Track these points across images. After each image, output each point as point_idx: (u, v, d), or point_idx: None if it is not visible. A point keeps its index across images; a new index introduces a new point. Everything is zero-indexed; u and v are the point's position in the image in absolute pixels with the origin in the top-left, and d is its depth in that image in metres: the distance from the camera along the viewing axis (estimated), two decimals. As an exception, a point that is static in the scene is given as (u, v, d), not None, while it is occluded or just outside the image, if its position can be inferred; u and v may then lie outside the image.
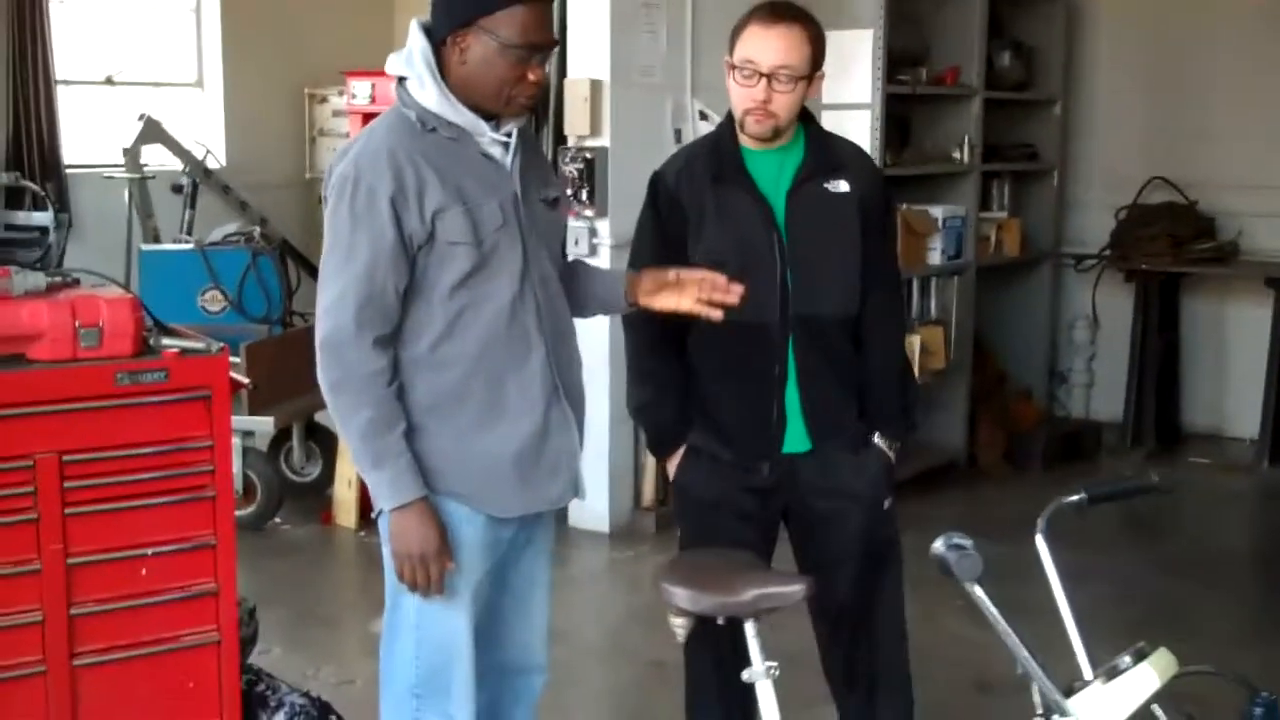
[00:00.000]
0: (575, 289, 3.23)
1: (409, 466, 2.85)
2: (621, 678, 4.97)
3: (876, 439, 3.45)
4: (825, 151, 3.42)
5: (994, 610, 2.34)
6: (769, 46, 3.25)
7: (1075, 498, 2.62)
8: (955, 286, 7.26)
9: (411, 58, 2.89)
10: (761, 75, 3.24)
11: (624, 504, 6.46)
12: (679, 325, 3.37)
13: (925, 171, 7.19)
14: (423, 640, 2.99)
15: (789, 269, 3.32)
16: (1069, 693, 2.44)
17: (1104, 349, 8.52)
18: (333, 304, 2.84)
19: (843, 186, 3.38)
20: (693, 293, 3.07)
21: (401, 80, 2.93)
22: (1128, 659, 2.44)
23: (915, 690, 3.61)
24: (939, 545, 2.41)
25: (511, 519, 3.02)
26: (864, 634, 3.53)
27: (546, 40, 2.88)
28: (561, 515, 6.25)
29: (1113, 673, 2.43)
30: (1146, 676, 2.42)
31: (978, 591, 2.37)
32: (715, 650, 3.32)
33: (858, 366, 3.44)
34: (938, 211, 7.10)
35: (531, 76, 2.86)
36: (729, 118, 3.43)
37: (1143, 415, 8.03)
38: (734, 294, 3.05)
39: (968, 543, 2.38)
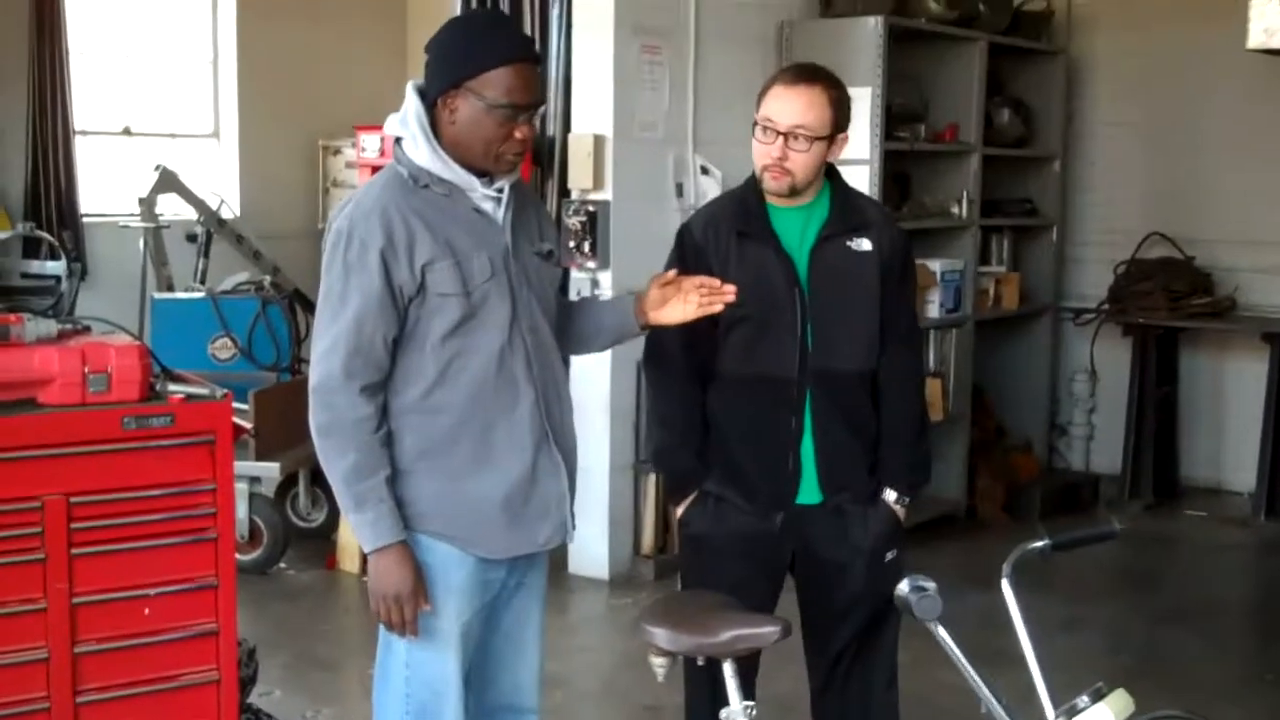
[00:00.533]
0: (586, 326, 3.37)
1: (390, 511, 2.96)
2: (617, 722, 5.05)
3: (886, 494, 3.52)
4: (849, 210, 3.51)
5: (956, 650, 2.43)
6: (788, 106, 3.35)
7: (1039, 544, 2.72)
8: (954, 339, 7.37)
9: (406, 118, 3.02)
10: (779, 134, 3.34)
11: (623, 551, 6.54)
12: (701, 373, 3.48)
13: (924, 226, 7.31)
14: (413, 679, 3.07)
15: (811, 324, 3.41)
16: (1031, 732, 2.53)
17: (1103, 402, 8.62)
18: (324, 353, 2.96)
19: (865, 245, 3.47)
20: (694, 299, 3.21)
21: (398, 140, 3.06)
22: (1085, 699, 2.52)
23: (902, 736, 3.68)
24: (903, 587, 2.51)
25: (501, 561, 3.11)
26: (858, 683, 3.59)
27: (531, 100, 3.00)
28: (561, 562, 6.39)
29: (1071, 712, 2.52)
30: (1103, 717, 2.51)
31: (940, 631, 2.46)
32: (713, 686, 3.38)
33: (873, 421, 3.52)
34: (936, 265, 7.21)
35: (518, 134, 2.98)
36: (753, 174, 3.53)
37: (1141, 468, 8.10)
38: (729, 293, 3.18)
39: (930, 585, 2.48)
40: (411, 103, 3.02)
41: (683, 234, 3.58)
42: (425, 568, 3.01)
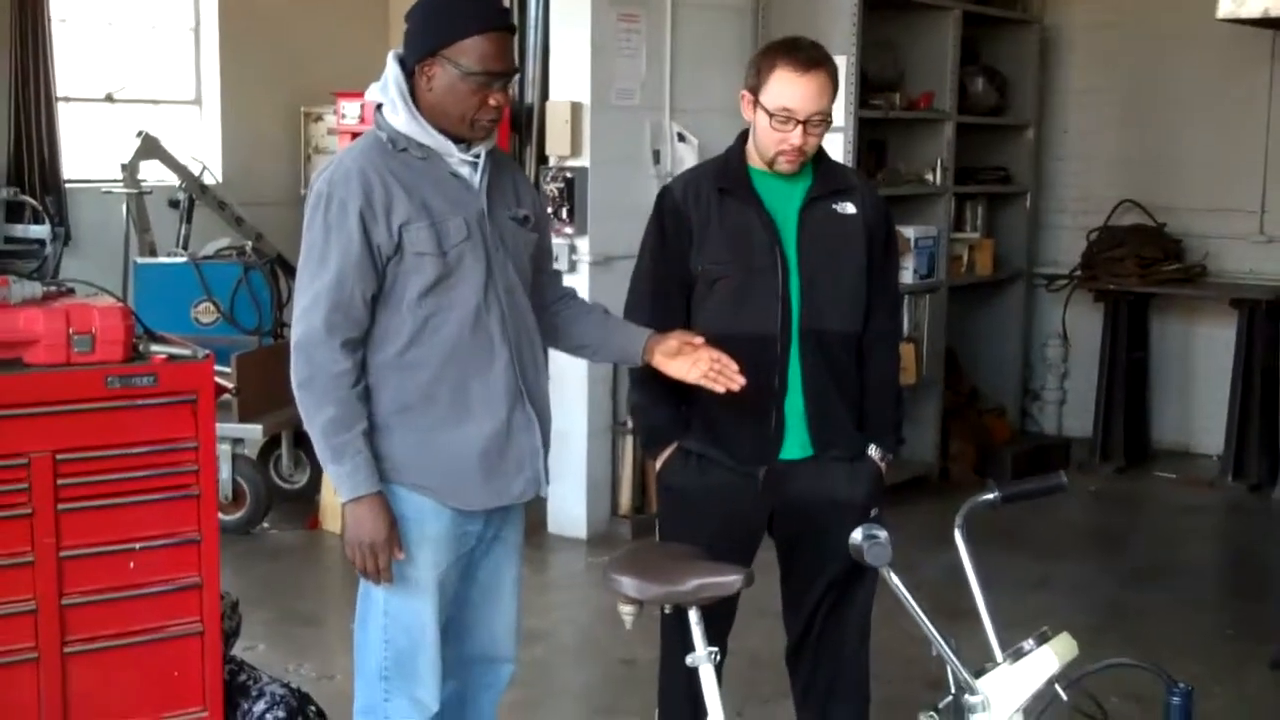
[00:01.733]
0: (591, 335, 3.47)
1: (366, 463, 3.05)
2: (594, 675, 5.16)
3: (871, 450, 3.62)
4: (833, 175, 3.61)
5: (906, 595, 2.54)
6: (805, 94, 3.40)
7: (989, 496, 2.82)
8: (928, 304, 7.47)
9: (386, 85, 3.12)
10: (798, 122, 3.41)
11: (601, 511, 6.65)
12: (678, 327, 3.51)
13: (899, 193, 7.39)
14: (390, 626, 3.17)
15: (799, 284, 3.49)
16: (979, 673, 2.64)
17: (1075, 367, 8.75)
18: (305, 309, 3.05)
19: (850, 208, 3.57)
20: (703, 368, 3.29)
21: (379, 106, 3.16)
22: (1031, 642, 2.64)
23: (870, 687, 3.79)
24: (856, 535, 2.62)
25: (478, 514, 3.20)
26: (833, 637, 3.70)
27: (505, 68, 3.10)
28: (540, 521, 6.51)
29: (1018, 655, 2.64)
30: (1047, 658, 2.62)
31: (891, 577, 2.57)
32: (686, 635, 3.47)
33: (858, 380, 3.62)
34: (910, 232, 7.30)
35: (492, 101, 3.08)
36: (739, 140, 3.61)
37: (1112, 431, 8.23)
38: (737, 381, 3.25)
39: (881, 533, 2.59)
40: (391, 70, 3.12)
41: (663, 195, 3.66)
42: (402, 519, 3.11)
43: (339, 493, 3.11)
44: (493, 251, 3.15)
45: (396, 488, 3.12)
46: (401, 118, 3.09)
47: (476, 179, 3.16)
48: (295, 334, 3.07)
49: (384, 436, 3.11)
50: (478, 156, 3.15)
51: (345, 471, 3.05)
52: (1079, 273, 8.46)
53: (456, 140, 3.12)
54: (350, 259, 3.02)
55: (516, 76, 3.21)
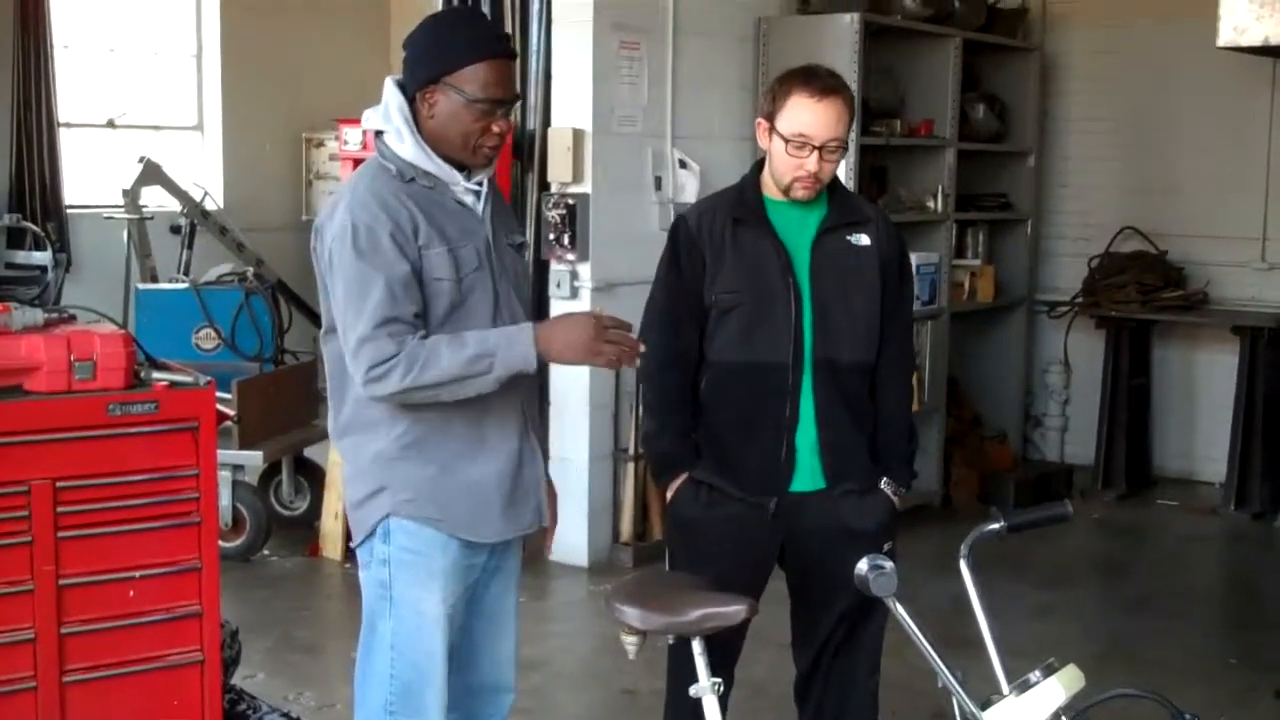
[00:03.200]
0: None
1: (496, 332, 2.99)
2: (595, 705, 5.12)
3: (884, 483, 3.60)
4: (848, 206, 3.62)
5: (913, 625, 2.53)
6: (821, 121, 3.41)
7: (995, 526, 2.81)
8: (929, 331, 7.46)
9: (389, 113, 3.09)
10: (814, 148, 3.42)
11: (602, 539, 6.63)
12: (686, 359, 3.55)
13: (900, 219, 7.37)
14: (398, 660, 3.13)
15: (812, 314, 3.49)
16: (985, 705, 2.62)
17: (1077, 393, 8.73)
18: (362, 341, 2.94)
19: (864, 240, 3.57)
20: (609, 354, 3.11)
21: (379, 134, 3.13)
22: (1038, 674, 2.62)
23: (879, 720, 3.77)
24: (862, 565, 2.60)
25: (483, 546, 3.18)
26: (842, 669, 3.67)
27: (508, 94, 3.09)
28: (541, 549, 6.46)
29: (1024, 686, 2.62)
30: (1053, 691, 2.60)
31: (897, 608, 2.55)
32: (692, 666, 3.47)
33: (871, 412, 3.61)
34: (912, 258, 7.22)
35: (495, 128, 3.07)
36: (754, 170, 3.61)
37: (1114, 458, 8.20)
38: (638, 349, 3.11)
39: (887, 564, 2.57)
40: (393, 97, 3.09)
41: (677, 225, 3.66)
42: (411, 554, 3.07)
43: (526, 367, 2.97)
44: (499, 280, 3.14)
45: (406, 521, 3.08)
46: (408, 146, 3.06)
47: (480, 207, 3.15)
48: (363, 369, 2.94)
49: (394, 469, 3.07)
50: (480, 185, 3.15)
51: (506, 354, 2.94)
52: (1080, 299, 8.45)
53: (458, 167, 3.11)
54: (395, 278, 2.95)
55: (518, 103, 3.18)
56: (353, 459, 3.16)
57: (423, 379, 2.93)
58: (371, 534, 3.12)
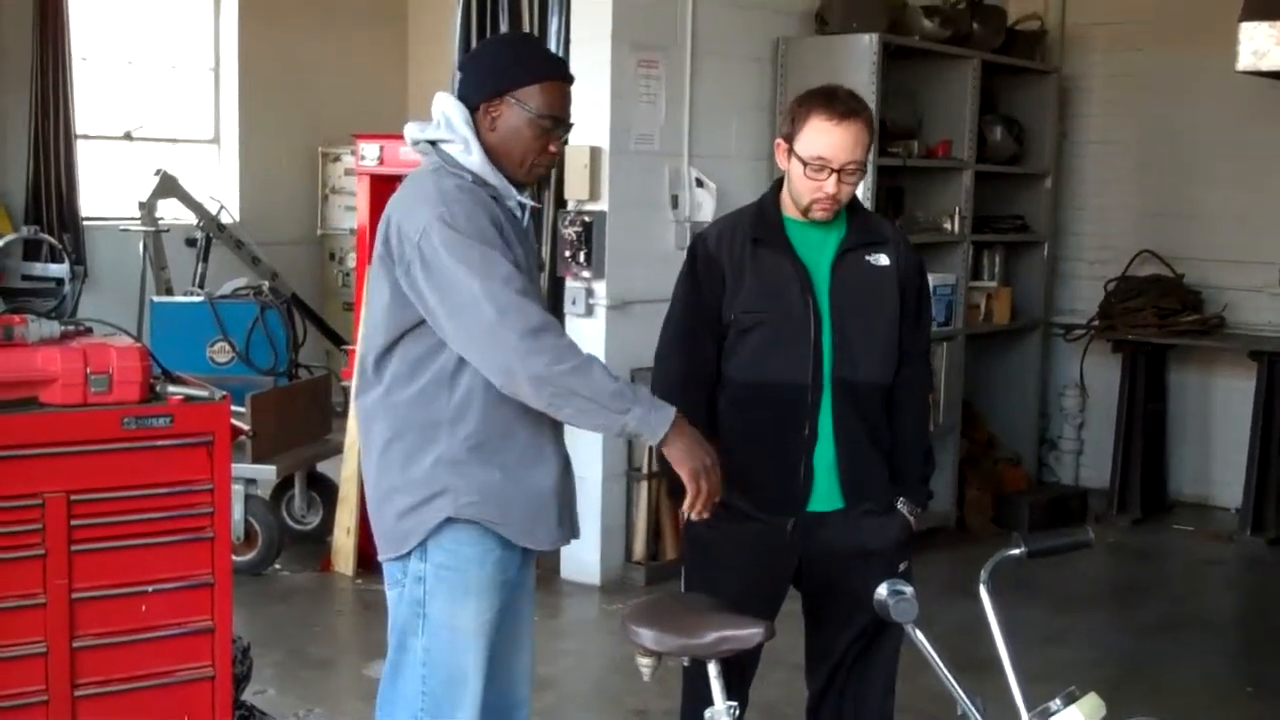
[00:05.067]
0: None
1: (648, 392, 3.02)
2: (605, 725, 5.11)
3: (900, 504, 3.59)
4: (868, 226, 3.60)
5: (932, 652, 2.50)
6: (840, 144, 3.40)
7: (1016, 551, 2.78)
8: (945, 352, 7.43)
9: (453, 124, 3.09)
10: (833, 171, 3.41)
11: (615, 558, 6.61)
12: (703, 378, 3.54)
13: (917, 240, 7.33)
14: (430, 678, 3.11)
15: (831, 334, 3.47)
16: (1004, 734, 2.60)
17: (1092, 417, 8.70)
18: (505, 305, 2.89)
19: (884, 260, 3.55)
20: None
21: (433, 143, 3.12)
22: (1058, 702, 2.58)
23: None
24: (881, 590, 2.58)
25: (515, 560, 3.16)
26: (855, 690, 3.65)
27: (568, 116, 3.14)
28: (554, 567, 6.47)
29: (1045, 714, 2.59)
30: (1074, 718, 2.58)
31: (917, 634, 2.53)
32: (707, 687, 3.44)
33: (888, 432, 3.59)
34: (928, 279, 7.25)
35: (552, 148, 3.12)
36: (773, 189, 3.60)
37: (1129, 483, 8.17)
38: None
39: (907, 589, 2.55)
40: (456, 110, 3.10)
41: (696, 243, 3.65)
42: (449, 570, 3.05)
43: (650, 434, 2.95)
44: (538, 293, 3.18)
45: (458, 534, 3.06)
46: (476, 157, 3.08)
47: (525, 222, 3.19)
48: (509, 345, 2.89)
49: (459, 471, 3.04)
50: (526, 202, 3.19)
51: (645, 411, 2.93)
52: (1097, 322, 8.42)
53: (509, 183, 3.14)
54: (508, 256, 2.96)
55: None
56: (402, 469, 3.10)
57: (569, 382, 2.88)
58: (409, 550, 3.09)
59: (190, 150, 10.22)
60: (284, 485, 7.03)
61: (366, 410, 3.18)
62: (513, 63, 3.11)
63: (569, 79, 3.16)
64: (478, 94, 3.10)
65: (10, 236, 8.15)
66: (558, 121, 3.10)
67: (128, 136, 9.83)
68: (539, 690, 3.54)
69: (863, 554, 3.49)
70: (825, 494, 3.51)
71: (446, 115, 3.11)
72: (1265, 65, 7.09)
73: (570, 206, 6.50)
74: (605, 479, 6.51)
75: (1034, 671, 2.84)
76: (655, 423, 2.93)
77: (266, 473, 6.47)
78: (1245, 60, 7.10)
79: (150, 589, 3.27)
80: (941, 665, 2.51)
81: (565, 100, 3.13)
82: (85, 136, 9.42)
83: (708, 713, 2.92)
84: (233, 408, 3.44)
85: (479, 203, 3.01)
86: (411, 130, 3.17)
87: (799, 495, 3.50)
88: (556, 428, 3.14)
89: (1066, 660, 5.61)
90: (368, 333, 3.19)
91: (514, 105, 3.06)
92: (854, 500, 3.52)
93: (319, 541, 6.86)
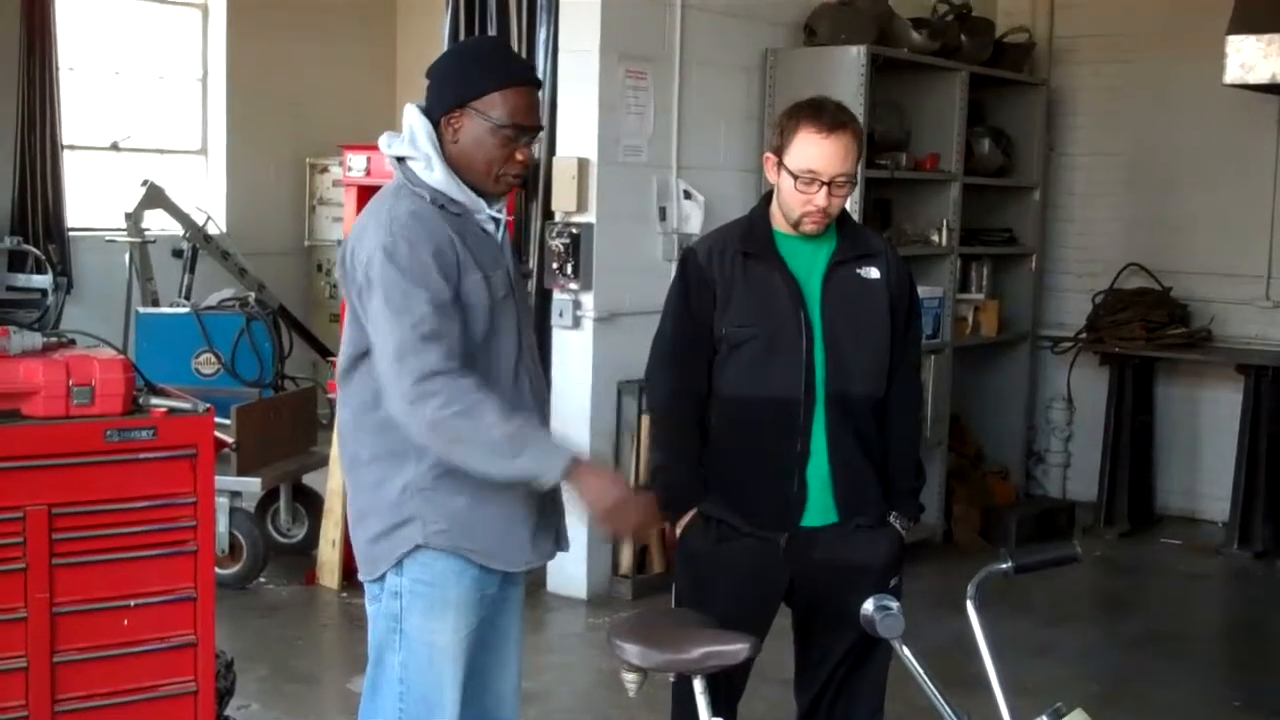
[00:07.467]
0: None
1: (547, 435, 2.98)
2: (591, 740, 5.08)
3: (893, 518, 3.57)
4: (858, 239, 3.59)
5: (918, 668, 2.49)
6: (830, 156, 3.39)
7: (1003, 565, 2.76)
8: (932, 365, 7.42)
9: (415, 139, 3.04)
10: (823, 184, 3.40)
11: (602, 571, 6.58)
12: (695, 392, 3.52)
13: (904, 253, 7.32)
14: (407, 695, 3.08)
15: (823, 348, 3.46)
16: (992, 750, 2.58)
17: (1080, 430, 8.70)
18: (406, 350, 2.86)
19: (874, 273, 3.53)
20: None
21: (400, 159, 3.07)
22: (1045, 718, 2.58)
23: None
24: (868, 606, 2.56)
25: (495, 576, 3.12)
26: (844, 707, 3.63)
27: (533, 123, 3.07)
28: (540, 581, 6.43)
29: (1031, 732, 2.58)
30: (1062, 735, 2.57)
31: (904, 650, 2.51)
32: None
33: (881, 445, 3.58)
34: (918, 293, 7.25)
35: (519, 156, 3.05)
36: (763, 202, 3.59)
37: (1116, 496, 8.16)
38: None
39: (894, 605, 2.53)
40: (419, 123, 3.05)
41: (687, 257, 3.64)
42: (425, 585, 3.02)
43: (545, 478, 2.90)
44: (520, 308, 3.13)
45: (432, 552, 3.02)
46: (438, 174, 3.03)
47: (499, 236, 3.13)
48: (400, 389, 2.87)
49: (426, 499, 3.00)
50: (500, 214, 3.13)
51: (538, 454, 2.89)
52: (1084, 335, 8.43)
53: (478, 195, 3.08)
54: (438, 297, 2.90)
55: (541, 134, 3.15)
56: (373, 492, 3.07)
57: (456, 426, 2.85)
58: (381, 574, 3.06)
59: (177, 161, 10.20)
60: (269, 498, 6.99)
61: (341, 427, 3.17)
62: (471, 72, 3.04)
63: (534, 83, 3.10)
64: (439, 106, 3.05)
65: (-6, 248, 8.14)
66: (521, 129, 3.02)
67: (114, 147, 9.79)
68: (524, 704, 3.50)
69: (854, 569, 3.47)
70: (819, 509, 3.49)
71: (412, 130, 3.06)
72: (1252, 78, 7.12)
73: (558, 218, 6.47)
74: (592, 491, 6.48)
75: (1021, 685, 2.82)
76: (549, 466, 2.89)
77: (251, 485, 6.43)
78: (1232, 73, 7.13)
79: (133, 603, 3.26)
80: (928, 681, 2.50)
81: (530, 105, 3.05)
82: (72, 147, 9.39)
83: (694, 729, 2.89)
84: (217, 420, 3.42)
85: (429, 231, 2.94)
86: (383, 143, 3.13)
87: (792, 511, 3.48)
88: None
89: (1054, 674, 5.60)
90: (342, 346, 3.16)
91: (475, 116, 3.00)
92: (847, 515, 3.50)
93: (304, 555, 6.82)
